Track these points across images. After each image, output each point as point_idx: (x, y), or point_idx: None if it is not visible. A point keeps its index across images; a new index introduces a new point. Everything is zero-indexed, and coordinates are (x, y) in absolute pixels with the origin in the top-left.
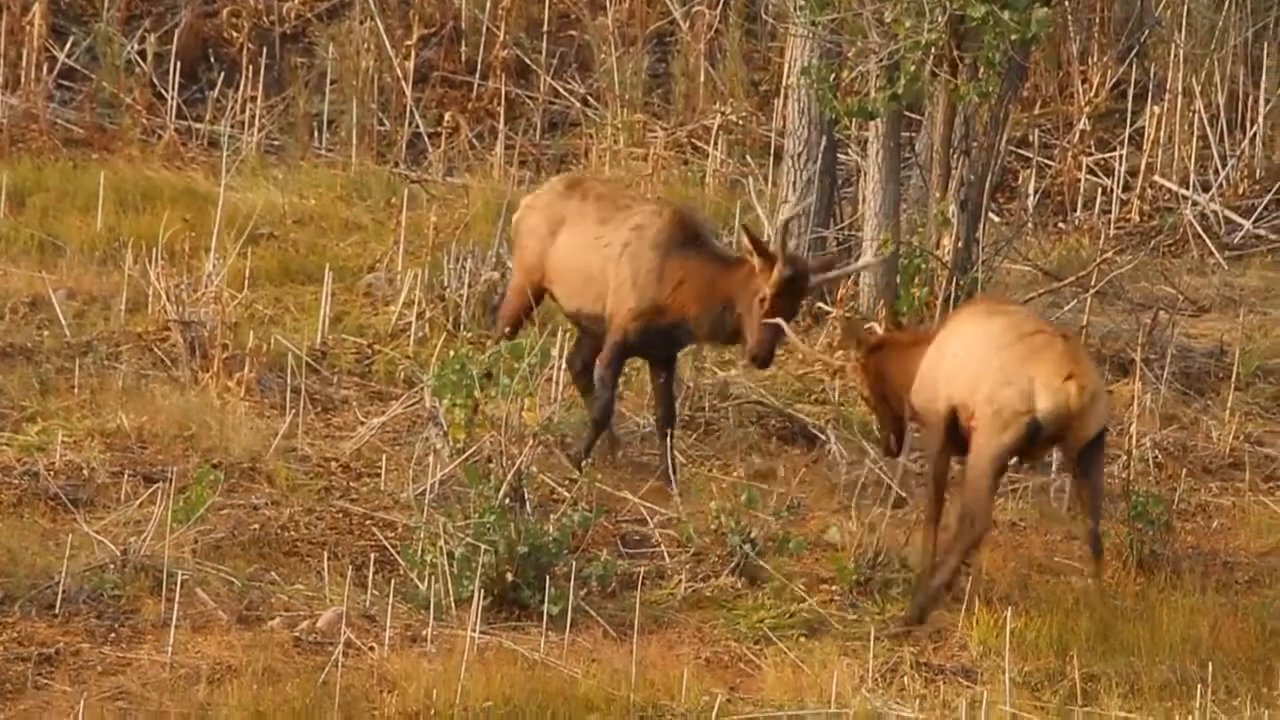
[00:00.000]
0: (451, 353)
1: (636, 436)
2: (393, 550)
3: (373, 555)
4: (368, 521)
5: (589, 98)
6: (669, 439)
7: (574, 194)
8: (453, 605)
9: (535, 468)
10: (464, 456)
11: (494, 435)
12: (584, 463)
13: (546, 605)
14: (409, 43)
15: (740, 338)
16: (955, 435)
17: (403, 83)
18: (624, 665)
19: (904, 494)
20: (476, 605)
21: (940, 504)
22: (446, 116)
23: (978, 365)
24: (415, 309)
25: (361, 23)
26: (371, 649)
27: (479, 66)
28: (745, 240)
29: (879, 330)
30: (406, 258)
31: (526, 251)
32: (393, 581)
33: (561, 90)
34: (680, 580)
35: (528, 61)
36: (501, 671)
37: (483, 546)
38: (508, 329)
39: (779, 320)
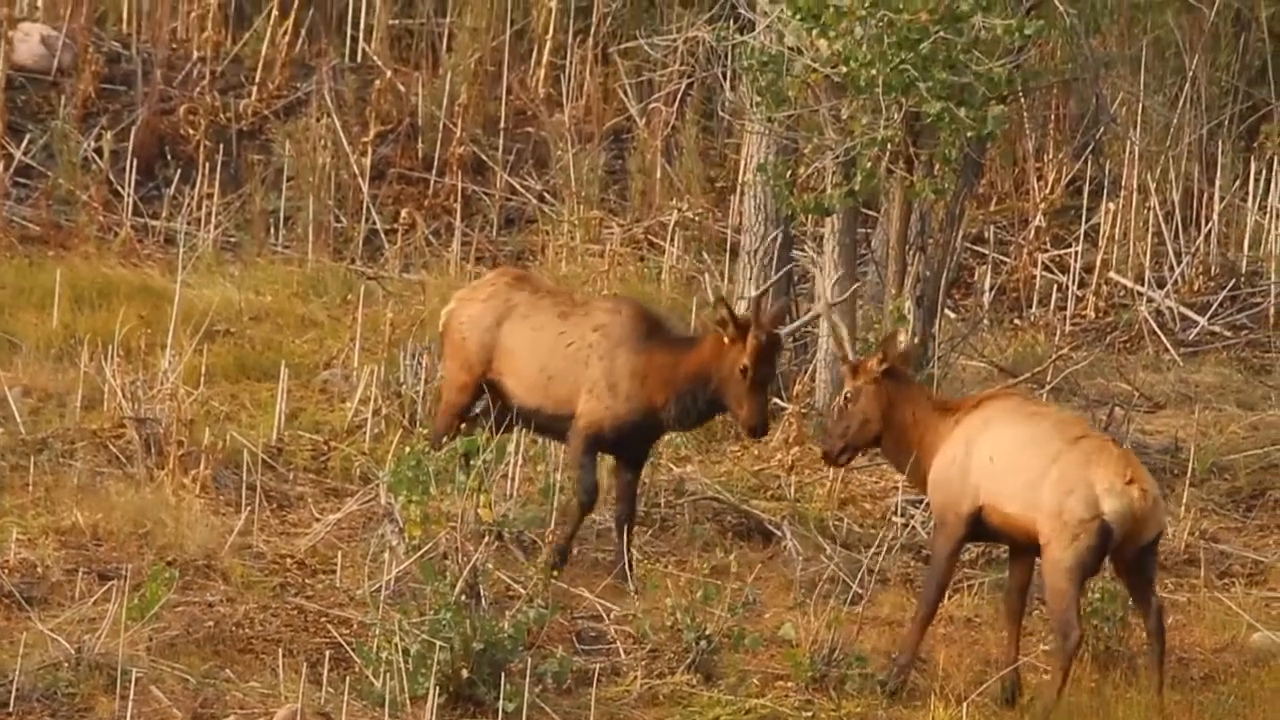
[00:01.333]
0: (407, 449)
1: (592, 532)
2: (348, 647)
3: (328, 652)
4: (323, 618)
5: (545, 194)
6: (626, 536)
7: (523, 286)
8: (408, 702)
9: (491, 564)
10: (420, 553)
11: (450, 532)
12: (565, 553)
13: (502, 702)
14: (366, 139)
15: (709, 417)
16: (976, 534)
17: (359, 179)
18: None
19: (860, 590)
20: (432, 702)
21: (939, 603)
22: (403, 213)
23: (1030, 474)
24: (371, 405)
25: (318, 120)
26: None
27: (435, 163)
28: (721, 311)
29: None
30: (363, 354)
31: (468, 343)
32: (348, 679)
33: (518, 186)
34: (636, 677)
35: (484, 158)
36: None
37: (438, 643)
38: (445, 436)
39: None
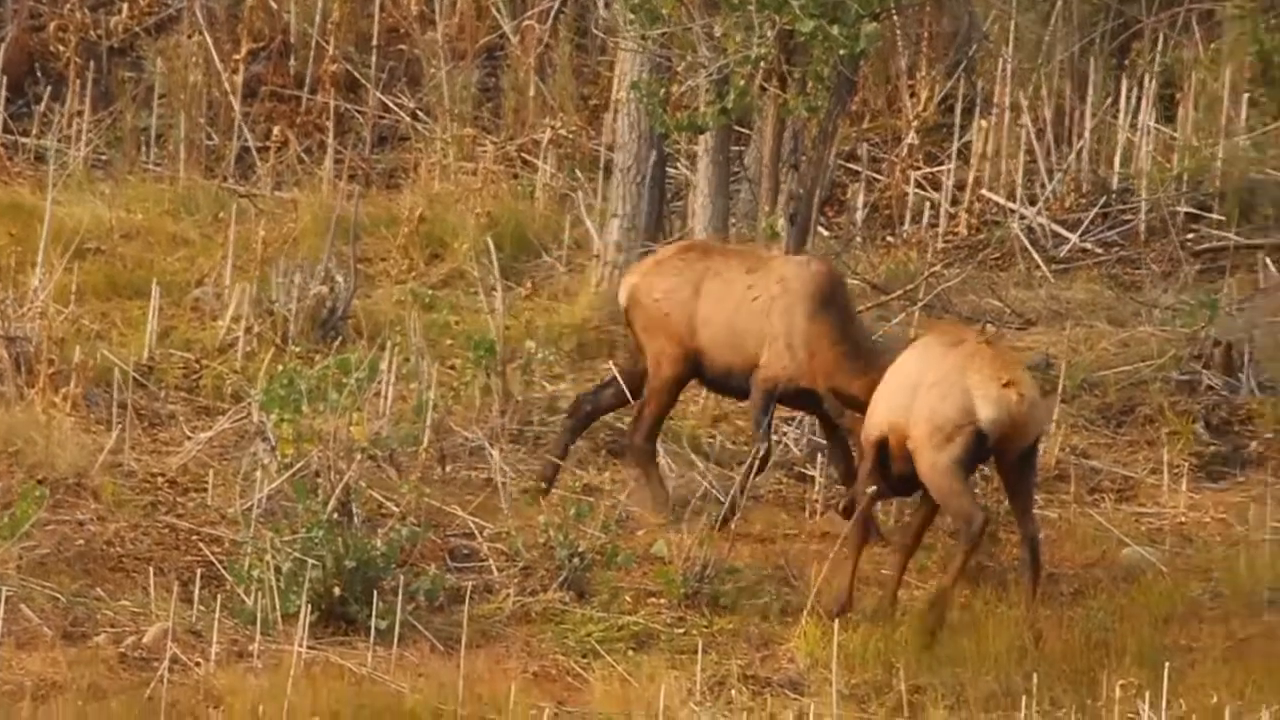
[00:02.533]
0: (280, 367)
1: (465, 451)
2: (220, 566)
3: (199, 571)
4: (194, 537)
5: (418, 112)
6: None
7: (712, 252)
8: (280, 620)
9: (363, 482)
10: (292, 471)
11: (322, 450)
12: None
13: (374, 620)
14: (237, 57)
15: None
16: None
17: (231, 97)
18: (451, 680)
19: (733, 508)
20: (304, 620)
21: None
22: (275, 131)
23: (909, 383)
24: (243, 323)
25: (190, 37)
26: (198, 665)
27: (308, 81)
28: None
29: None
30: (235, 272)
31: (671, 318)
32: (219, 597)
33: (391, 105)
34: (508, 594)
35: (357, 76)
36: (328, 686)
37: (310, 561)
38: (664, 415)
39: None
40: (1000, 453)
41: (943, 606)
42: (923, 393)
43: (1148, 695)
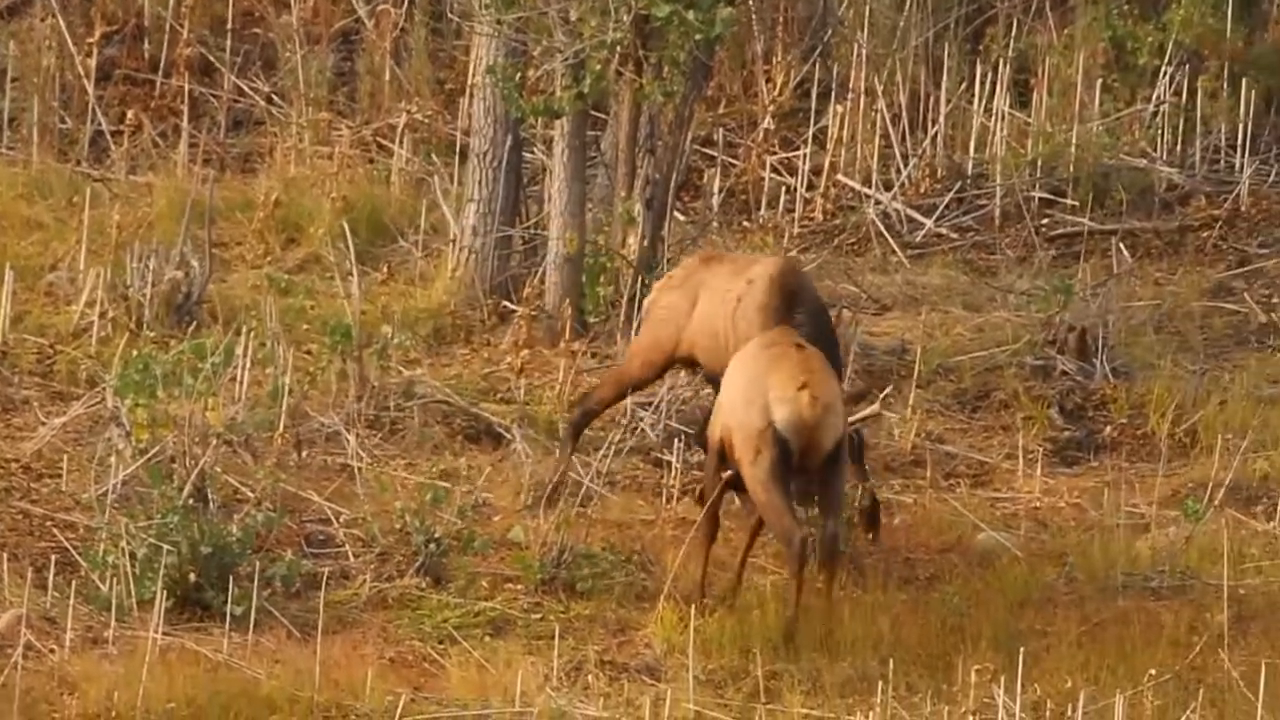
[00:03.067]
0: (134, 352)
1: (321, 436)
2: (74, 551)
3: (53, 557)
4: (48, 522)
5: (273, 96)
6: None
7: (710, 262)
8: (135, 606)
9: (219, 468)
10: (147, 457)
11: (177, 435)
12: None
13: (230, 606)
14: (91, 40)
15: None
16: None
17: (85, 80)
18: (308, 666)
19: (595, 489)
20: (159, 606)
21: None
22: (129, 114)
23: (732, 393)
24: (98, 308)
25: (42, 20)
26: (52, 651)
27: (162, 64)
28: None
29: None
30: (89, 256)
31: (664, 326)
32: (74, 583)
33: (246, 88)
34: (365, 580)
35: (212, 59)
36: (184, 673)
37: (165, 547)
38: (607, 406)
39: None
40: (802, 459)
41: (793, 630)
42: (738, 399)
43: (1003, 680)
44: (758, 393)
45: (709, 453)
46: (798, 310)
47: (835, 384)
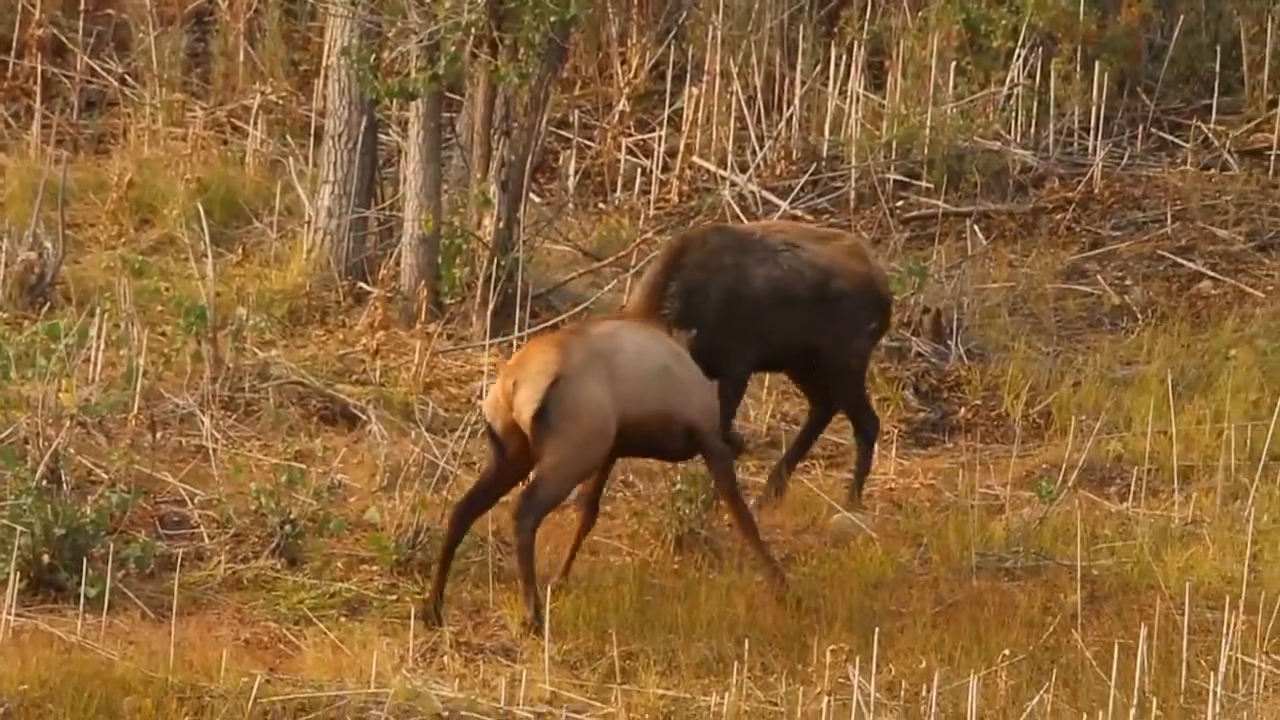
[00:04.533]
0: None
1: (176, 417)
2: None
3: None
4: None
5: (127, 77)
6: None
7: None
8: None
9: (73, 449)
10: None
11: (30, 417)
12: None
13: (84, 587)
14: None
15: None
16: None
17: None
18: (162, 647)
19: (451, 470)
20: (12, 588)
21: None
22: None
23: None
24: None
25: None
26: None
27: (14, 44)
28: None
29: None
30: None
31: None
32: None
33: (99, 69)
34: (220, 562)
35: (64, 40)
36: (37, 654)
37: (18, 529)
38: None
39: None
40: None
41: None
42: None
43: (858, 660)
44: None
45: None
46: (671, 283)
47: (545, 361)
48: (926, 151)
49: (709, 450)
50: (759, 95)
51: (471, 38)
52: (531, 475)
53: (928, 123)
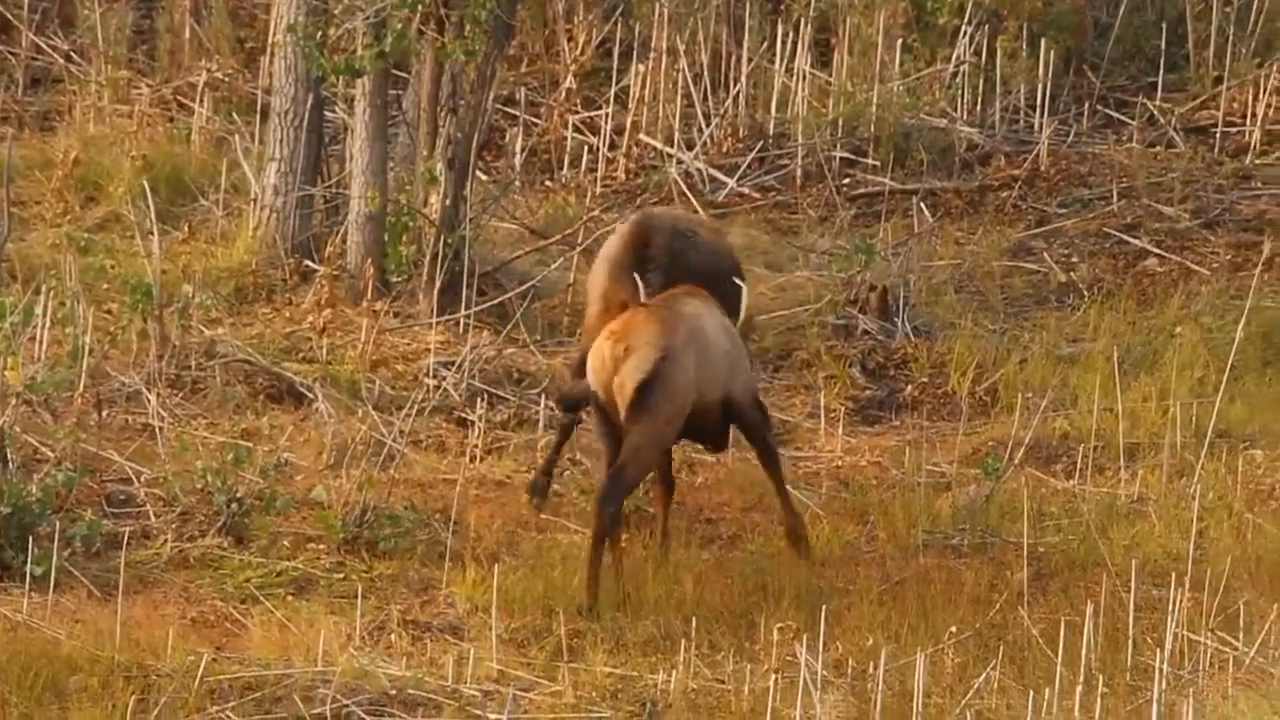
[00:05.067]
0: None
1: (122, 396)
2: None
3: None
4: None
5: (72, 54)
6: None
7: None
8: None
9: (18, 427)
10: None
11: None
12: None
13: (30, 566)
14: None
15: None
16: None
17: None
18: (109, 625)
19: (398, 449)
20: None
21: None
22: None
23: None
24: None
25: None
26: None
27: None
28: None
29: None
30: None
31: (591, 288)
32: None
33: (44, 46)
34: (166, 540)
35: (9, 17)
36: None
37: None
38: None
39: None
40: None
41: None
42: None
43: (805, 638)
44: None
45: None
46: (649, 266)
47: (652, 332)
48: (873, 129)
49: (748, 423)
50: (706, 73)
51: (418, 15)
52: (620, 457)
53: (874, 100)
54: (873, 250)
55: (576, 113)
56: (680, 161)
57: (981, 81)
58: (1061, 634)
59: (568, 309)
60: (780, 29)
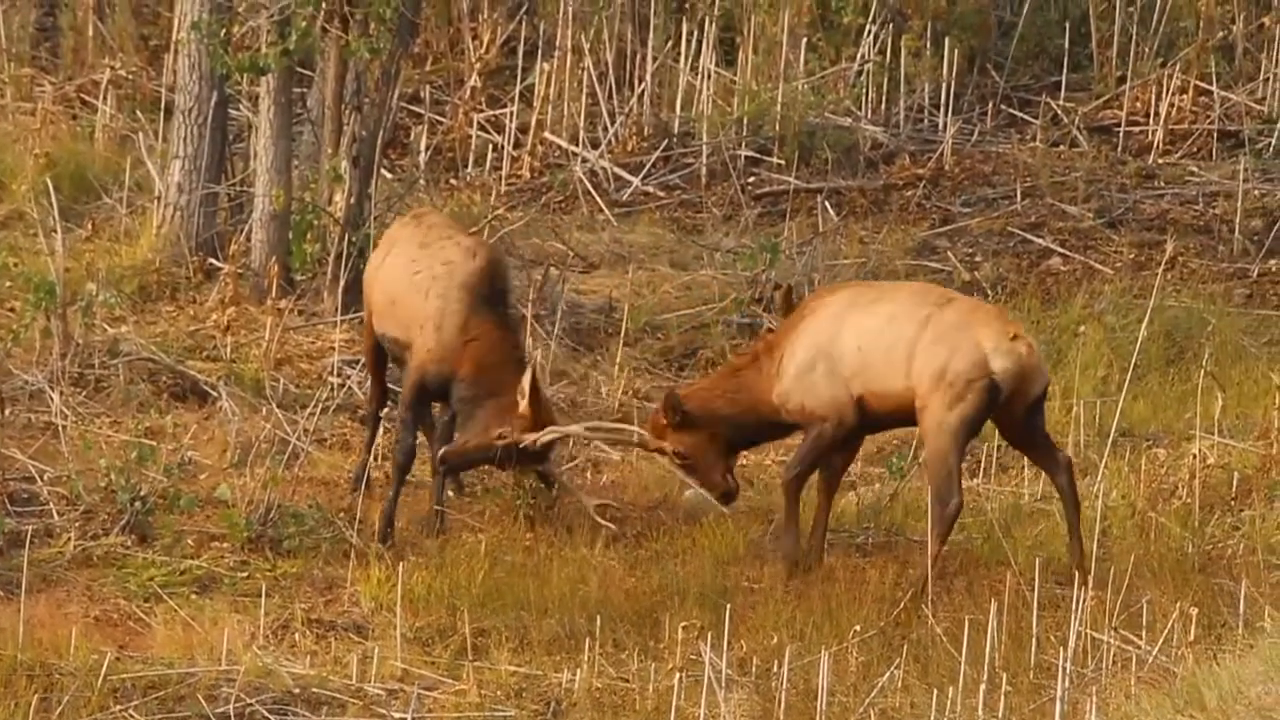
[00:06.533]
0: None
1: (25, 394)
2: None
3: None
4: None
5: None
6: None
7: (412, 222)
8: None
9: None
10: None
11: None
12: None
13: None
14: None
15: None
16: (865, 426)
17: None
18: (11, 625)
19: (302, 447)
20: None
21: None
22: None
23: (903, 346)
24: None
25: None
26: None
27: None
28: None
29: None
30: None
31: (367, 284)
32: None
33: None
34: (69, 539)
35: None
36: None
37: None
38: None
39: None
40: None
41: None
42: (915, 349)
43: (710, 636)
44: (963, 342)
45: (825, 420)
46: (505, 304)
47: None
48: (778, 128)
49: None
50: (610, 71)
51: (322, 12)
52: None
53: (779, 99)
54: (777, 249)
55: (481, 111)
56: (585, 160)
57: (886, 80)
58: (966, 633)
59: None
60: (685, 27)
